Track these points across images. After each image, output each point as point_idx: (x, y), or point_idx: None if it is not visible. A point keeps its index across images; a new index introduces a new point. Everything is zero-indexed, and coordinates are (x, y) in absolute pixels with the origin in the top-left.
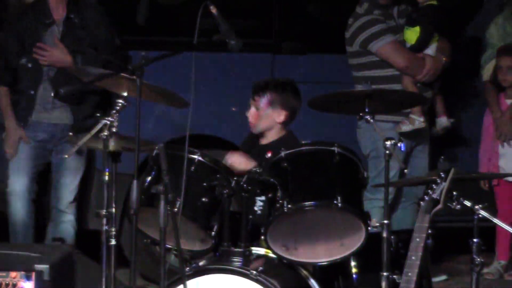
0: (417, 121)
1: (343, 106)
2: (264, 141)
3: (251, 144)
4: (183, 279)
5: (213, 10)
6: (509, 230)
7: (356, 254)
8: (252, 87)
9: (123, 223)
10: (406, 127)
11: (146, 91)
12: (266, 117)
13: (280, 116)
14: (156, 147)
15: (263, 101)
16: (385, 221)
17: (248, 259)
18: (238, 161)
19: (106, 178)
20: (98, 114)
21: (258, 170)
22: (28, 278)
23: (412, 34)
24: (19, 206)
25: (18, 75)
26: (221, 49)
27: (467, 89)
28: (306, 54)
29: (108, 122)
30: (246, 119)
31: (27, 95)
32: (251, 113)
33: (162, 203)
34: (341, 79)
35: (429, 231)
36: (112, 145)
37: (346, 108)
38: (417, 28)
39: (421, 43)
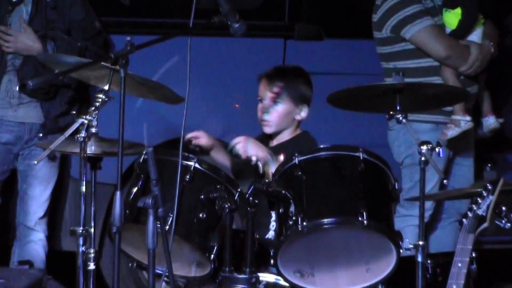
0: (463, 121)
1: (369, 103)
2: (274, 142)
3: None
4: None
5: None
6: None
7: (385, 282)
8: (268, 75)
9: (103, 243)
10: (452, 132)
11: (132, 84)
12: (288, 114)
13: (302, 112)
14: (144, 152)
15: (286, 94)
16: (420, 242)
17: (254, 287)
18: (252, 146)
19: (83, 189)
20: (74, 112)
21: (266, 181)
22: None
23: (452, 17)
24: None
25: None
26: (222, 33)
27: None
28: (324, 39)
29: (86, 122)
30: (252, 117)
31: None
32: (269, 108)
33: (150, 219)
34: (367, 70)
35: (473, 255)
36: (90, 149)
37: (374, 105)
38: (458, 10)
39: (464, 28)
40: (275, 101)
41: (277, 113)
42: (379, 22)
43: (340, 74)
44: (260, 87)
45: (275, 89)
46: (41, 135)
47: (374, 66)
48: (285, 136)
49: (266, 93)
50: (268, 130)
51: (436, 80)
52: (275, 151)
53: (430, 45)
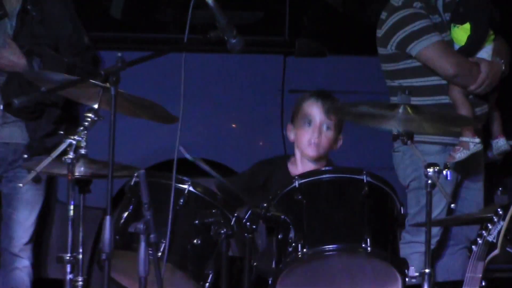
0: (472, 143)
1: (374, 123)
2: (298, 170)
3: (259, 176)
4: None
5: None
6: None
7: None
8: (325, 97)
9: (92, 271)
10: (460, 155)
11: (123, 102)
12: (333, 143)
13: (339, 141)
14: (136, 174)
15: (336, 122)
16: (427, 270)
17: None
18: None
19: (71, 213)
20: (61, 132)
21: (264, 205)
22: None
23: (461, 33)
24: None
25: None
26: (218, 49)
27: None
28: (327, 56)
29: (74, 142)
30: (249, 138)
31: None
32: (322, 132)
33: (142, 246)
34: (371, 89)
35: (483, 284)
36: (79, 171)
37: (378, 125)
38: (467, 26)
39: (473, 44)
40: (328, 127)
41: (328, 140)
42: (383, 37)
43: (344, 93)
44: (311, 107)
45: (331, 117)
46: (26, 156)
47: (380, 84)
48: (310, 165)
49: (322, 116)
50: (315, 153)
51: (444, 99)
52: None
53: (438, 62)
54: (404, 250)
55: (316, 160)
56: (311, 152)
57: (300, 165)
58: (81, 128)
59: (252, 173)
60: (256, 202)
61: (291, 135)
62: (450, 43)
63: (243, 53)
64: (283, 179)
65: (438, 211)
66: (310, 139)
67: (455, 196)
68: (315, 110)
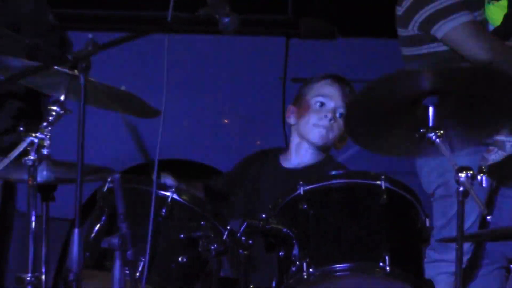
0: (509, 143)
1: (392, 117)
2: (291, 162)
3: (247, 170)
4: None
5: None
6: None
7: None
8: (342, 80)
9: None
10: (495, 156)
11: (95, 93)
12: (341, 134)
13: (345, 140)
14: (109, 179)
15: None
16: None
17: None
18: None
19: (33, 225)
20: (21, 128)
21: (263, 216)
22: None
23: (497, 11)
24: None
25: None
26: (208, 29)
27: None
28: (336, 38)
29: (36, 141)
30: (245, 133)
31: None
32: (339, 122)
33: (117, 265)
34: None
35: None
36: (41, 175)
37: (398, 120)
38: (504, 2)
39: (511, 25)
40: (341, 113)
41: (338, 129)
42: (404, 16)
43: (356, 82)
44: (327, 87)
45: (347, 101)
46: None
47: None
48: (307, 157)
49: (338, 100)
50: (321, 139)
51: None
52: (294, 175)
53: (468, 46)
54: (429, 270)
55: (318, 149)
56: (317, 136)
57: (294, 154)
58: (45, 123)
59: (239, 168)
60: (249, 208)
61: (291, 118)
62: (483, 23)
63: (238, 34)
64: (273, 173)
65: (469, 223)
66: (319, 120)
67: (489, 206)
68: (332, 91)
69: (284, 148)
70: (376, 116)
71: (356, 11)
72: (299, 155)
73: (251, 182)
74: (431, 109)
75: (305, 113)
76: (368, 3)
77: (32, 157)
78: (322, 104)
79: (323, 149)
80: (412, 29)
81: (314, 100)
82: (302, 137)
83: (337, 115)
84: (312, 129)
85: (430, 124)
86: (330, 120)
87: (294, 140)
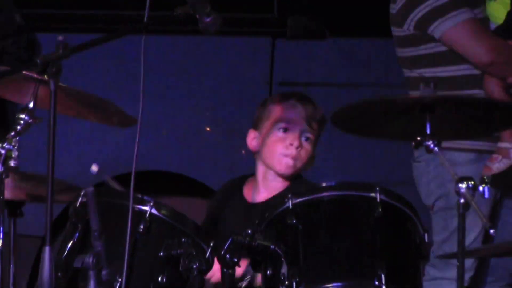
0: None
1: (387, 126)
2: (260, 195)
3: (222, 205)
4: None
5: None
6: None
7: None
8: (309, 101)
9: None
10: (499, 165)
11: (67, 100)
12: (310, 159)
13: (313, 160)
14: (82, 192)
15: (317, 135)
16: None
17: None
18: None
19: (0, 243)
20: None
21: (249, 232)
22: None
23: (499, 8)
24: None
25: None
26: (188, 29)
27: None
28: (327, 38)
29: (3, 152)
30: (226, 145)
31: None
32: (306, 147)
33: (91, 285)
34: (384, 80)
35: None
36: (8, 189)
37: (393, 128)
38: None
39: None
40: (307, 137)
41: (306, 154)
42: (399, 14)
43: (347, 86)
44: (289, 110)
45: (314, 126)
46: None
47: (394, 74)
48: (277, 184)
49: (303, 123)
50: (290, 169)
51: (477, 93)
52: (263, 208)
53: (468, 46)
54: None
55: (288, 178)
56: (286, 167)
57: (261, 185)
58: (12, 133)
59: (209, 212)
60: None
61: (253, 143)
62: (484, 21)
63: (220, 34)
64: (237, 209)
65: (471, 238)
66: (285, 150)
67: (493, 219)
68: (294, 115)
69: (245, 176)
70: (368, 120)
71: (348, 8)
72: (267, 186)
73: (216, 215)
74: (428, 115)
75: (268, 141)
76: (360, 1)
77: None
78: (286, 130)
79: (290, 176)
80: (407, 28)
81: (277, 127)
82: (268, 166)
83: (303, 139)
84: (278, 159)
85: (428, 131)
86: (297, 147)
87: (260, 168)
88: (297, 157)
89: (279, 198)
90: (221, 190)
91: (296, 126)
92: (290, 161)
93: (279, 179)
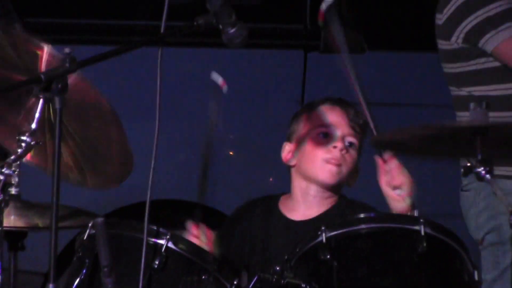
0: None
1: (433, 149)
2: (299, 212)
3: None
4: None
5: None
6: None
7: None
8: (349, 106)
9: None
10: None
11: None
12: (355, 168)
13: (356, 174)
14: (91, 223)
15: (360, 142)
16: None
17: None
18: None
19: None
20: None
21: (277, 268)
22: None
23: None
24: None
25: None
26: (210, 42)
27: None
28: (365, 51)
29: (2, 178)
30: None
31: None
32: (352, 154)
33: None
34: (428, 99)
35: None
36: (9, 219)
37: (440, 152)
38: None
39: None
40: (351, 144)
41: (352, 161)
42: (446, 26)
43: (388, 105)
44: (329, 113)
45: (357, 129)
46: None
47: (440, 92)
48: (318, 204)
49: (346, 126)
50: (334, 177)
51: None
52: (304, 227)
53: None
54: None
55: (328, 191)
56: (330, 175)
57: (301, 202)
58: (12, 157)
59: (228, 225)
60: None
61: (288, 156)
62: None
63: (246, 47)
64: (277, 225)
65: None
66: (328, 154)
67: None
68: (335, 118)
69: (276, 195)
70: (411, 145)
71: (389, 19)
72: (308, 203)
73: (255, 237)
74: (479, 139)
75: (306, 149)
76: (402, 10)
77: None
78: (326, 135)
79: (334, 189)
80: (455, 41)
81: (315, 132)
82: (309, 178)
83: (346, 144)
84: (320, 167)
85: (479, 157)
86: (341, 150)
87: (298, 184)
88: (342, 162)
89: (311, 231)
90: (244, 211)
91: (337, 129)
92: (333, 168)
93: (321, 194)
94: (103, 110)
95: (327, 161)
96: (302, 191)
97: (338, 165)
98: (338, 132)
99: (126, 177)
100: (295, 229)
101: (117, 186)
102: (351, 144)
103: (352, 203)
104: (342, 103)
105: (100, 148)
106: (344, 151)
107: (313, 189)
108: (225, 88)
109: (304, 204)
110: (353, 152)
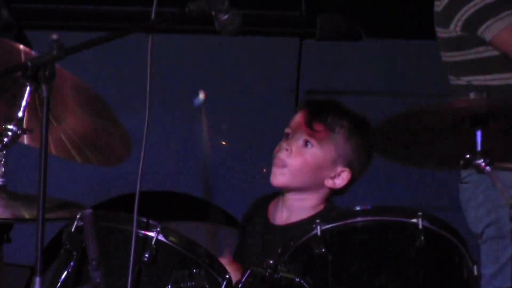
0: None
1: (430, 141)
2: (283, 216)
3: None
4: None
5: None
6: None
7: None
8: (313, 104)
9: None
10: None
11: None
12: (316, 170)
13: (338, 178)
14: (78, 215)
15: (329, 141)
16: None
17: None
18: None
19: None
20: None
21: (271, 262)
22: None
23: None
24: None
25: None
26: (202, 29)
27: None
28: (362, 39)
29: None
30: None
31: None
32: (293, 147)
33: None
34: (427, 89)
35: None
36: None
37: (438, 144)
38: None
39: None
40: (307, 142)
41: (303, 160)
42: (444, 13)
43: (385, 94)
44: (295, 116)
45: (317, 126)
46: None
47: (439, 81)
48: (304, 210)
49: (301, 127)
50: (278, 180)
51: None
52: (283, 232)
53: None
54: None
55: (308, 196)
56: (272, 177)
57: (283, 207)
58: None
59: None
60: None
61: None
62: None
63: (240, 35)
64: (257, 226)
65: None
66: (274, 155)
67: None
68: (296, 118)
69: (277, 193)
70: (411, 135)
71: (386, 6)
72: (288, 208)
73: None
74: (479, 131)
75: None
76: None
77: None
78: (287, 136)
79: (315, 196)
80: (454, 29)
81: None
82: None
83: (300, 143)
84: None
85: (478, 148)
86: (287, 145)
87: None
88: (286, 163)
89: (305, 224)
90: (249, 208)
91: (290, 129)
92: (275, 169)
93: (302, 201)
94: (87, 95)
95: (273, 163)
96: (283, 196)
97: (281, 167)
98: (288, 131)
99: (127, 155)
100: (272, 233)
101: (121, 162)
102: (307, 142)
103: (338, 210)
104: (309, 102)
105: (97, 128)
106: (287, 152)
107: (288, 194)
108: (202, 95)
109: (286, 209)
110: (309, 150)
